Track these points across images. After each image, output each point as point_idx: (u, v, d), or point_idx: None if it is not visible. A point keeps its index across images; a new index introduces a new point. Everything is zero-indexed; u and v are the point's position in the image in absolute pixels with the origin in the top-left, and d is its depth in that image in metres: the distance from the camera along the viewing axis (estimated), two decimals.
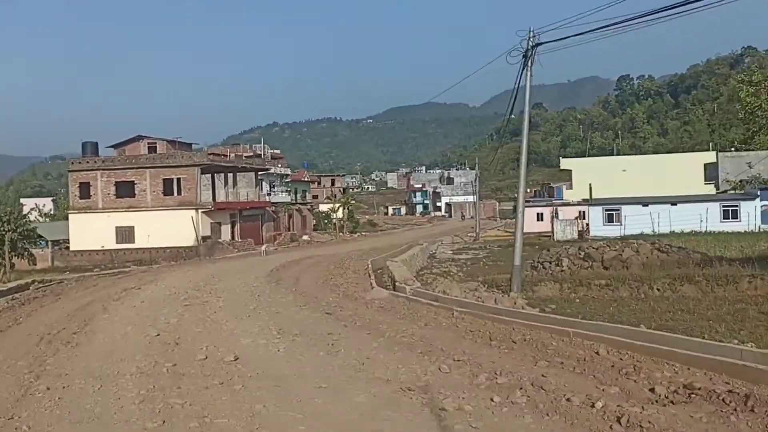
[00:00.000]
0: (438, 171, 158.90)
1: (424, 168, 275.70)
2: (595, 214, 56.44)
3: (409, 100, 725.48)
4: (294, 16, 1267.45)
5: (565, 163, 72.04)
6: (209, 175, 59.90)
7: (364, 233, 77.53)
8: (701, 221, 53.65)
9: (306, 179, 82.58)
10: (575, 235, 55.97)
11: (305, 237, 63.80)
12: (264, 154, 67.38)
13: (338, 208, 72.87)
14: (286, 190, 73.57)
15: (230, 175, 58.65)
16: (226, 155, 64.82)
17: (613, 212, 56.16)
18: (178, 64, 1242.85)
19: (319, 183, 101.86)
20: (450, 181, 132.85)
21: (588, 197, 63.69)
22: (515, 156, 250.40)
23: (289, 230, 65.06)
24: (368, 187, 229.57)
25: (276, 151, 77.65)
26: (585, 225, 56.49)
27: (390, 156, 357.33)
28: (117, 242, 53.23)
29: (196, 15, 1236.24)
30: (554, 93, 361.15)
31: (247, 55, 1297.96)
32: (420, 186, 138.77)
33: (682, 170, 66.62)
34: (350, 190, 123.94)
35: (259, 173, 65.25)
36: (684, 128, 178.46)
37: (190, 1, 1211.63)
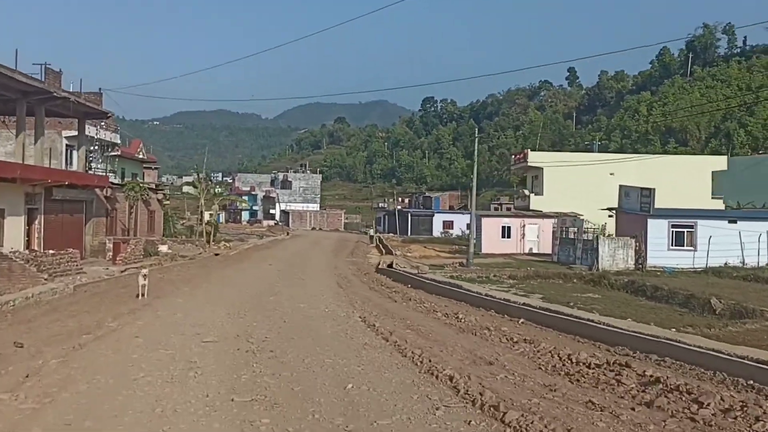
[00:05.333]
0: (269, 175, 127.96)
1: (220, 174, 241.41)
2: (656, 233, 33.14)
3: (200, 105, 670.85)
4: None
5: (534, 157, 48.40)
6: None
7: (227, 244, 47.56)
8: None
9: (142, 156, 50.03)
10: (629, 263, 32.45)
11: (163, 247, 33.02)
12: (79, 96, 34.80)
13: (210, 204, 43.12)
14: (111, 170, 41.65)
15: (24, 118, 26.31)
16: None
17: (685, 230, 33.40)
18: None
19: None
20: (286, 184, 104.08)
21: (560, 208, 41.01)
22: (319, 167, 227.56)
23: (130, 233, 33.82)
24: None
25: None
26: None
27: (177, 161, 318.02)
28: None
29: None
30: (347, 112, 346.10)
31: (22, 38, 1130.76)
32: (248, 189, 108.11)
33: (685, 178, 46.40)
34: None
35: (69, 131, 33.40)
36: (499, 151, 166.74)
37: None
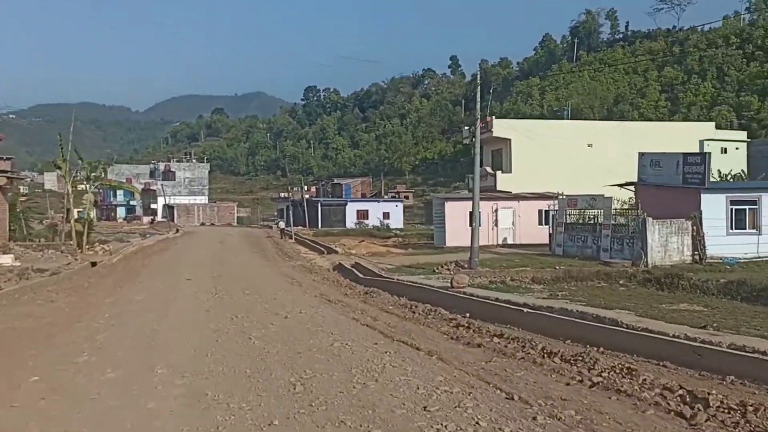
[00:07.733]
0: (147, 165, 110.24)
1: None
2: (713, 212, 24.08)
3: (63, 97, 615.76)
4: None
5: (501, 129, 38.52)
6: None
7: (105, 247, 34.26)
8: None
9: None
10: (685, 255, 23.39)
11: (5, 259, 19.95)
12: None
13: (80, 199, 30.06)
14: None
15: None
16: None
17: (747, 208, 24.63)
18: None
19: None
20: (169, 176, 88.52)
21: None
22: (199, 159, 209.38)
23: None
24: (20, 189, 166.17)
25: None
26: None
27: (38, 156, 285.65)
28: None
29: None
30: (224, 103, 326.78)
31: None
32: (123, 182, 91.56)
33: (672, 147, 38.67)
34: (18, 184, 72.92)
35: None
36: (389, 139, 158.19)
37: None
